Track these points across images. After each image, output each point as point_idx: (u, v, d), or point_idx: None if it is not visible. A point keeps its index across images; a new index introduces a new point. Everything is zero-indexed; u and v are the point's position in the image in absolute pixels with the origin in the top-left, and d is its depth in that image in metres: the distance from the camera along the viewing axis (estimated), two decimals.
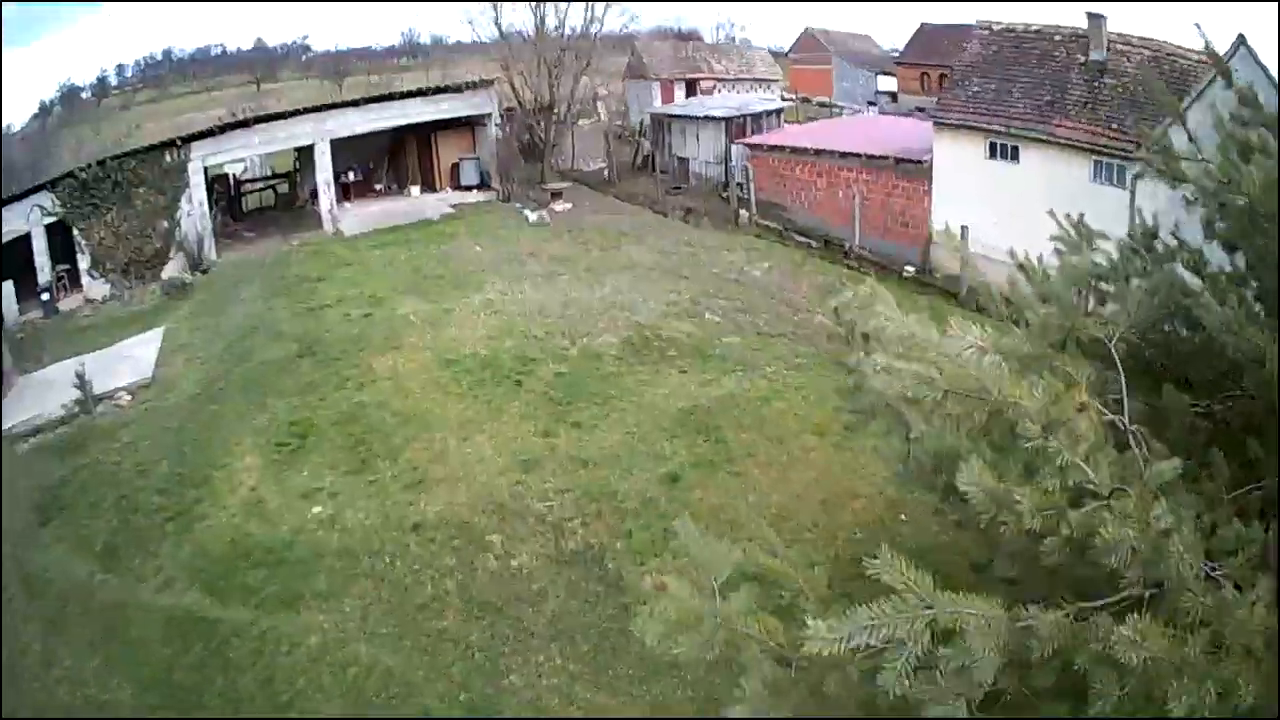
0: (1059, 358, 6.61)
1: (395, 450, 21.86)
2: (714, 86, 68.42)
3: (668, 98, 64.85)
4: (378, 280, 33.17)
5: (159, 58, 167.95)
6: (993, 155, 32.57)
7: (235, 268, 38.06)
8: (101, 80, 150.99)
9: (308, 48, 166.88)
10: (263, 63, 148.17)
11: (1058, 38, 33.02)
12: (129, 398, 26.67)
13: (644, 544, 18.11)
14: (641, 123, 57.21)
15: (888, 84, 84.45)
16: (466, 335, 27.79)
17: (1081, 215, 10.22)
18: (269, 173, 54.08)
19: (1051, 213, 10.24)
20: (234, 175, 50.56)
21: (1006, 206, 30.51)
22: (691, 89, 67.61)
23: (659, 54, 69.05)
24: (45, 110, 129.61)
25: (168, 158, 39.05)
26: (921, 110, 65.04)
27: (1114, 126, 28.91)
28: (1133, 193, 26.60)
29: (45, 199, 37.10)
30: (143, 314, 34.42)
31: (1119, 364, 6.97)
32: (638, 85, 67.04)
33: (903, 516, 17.95)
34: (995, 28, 35.57)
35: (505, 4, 48.46)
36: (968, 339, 6.07)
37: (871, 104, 79.37)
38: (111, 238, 37.73)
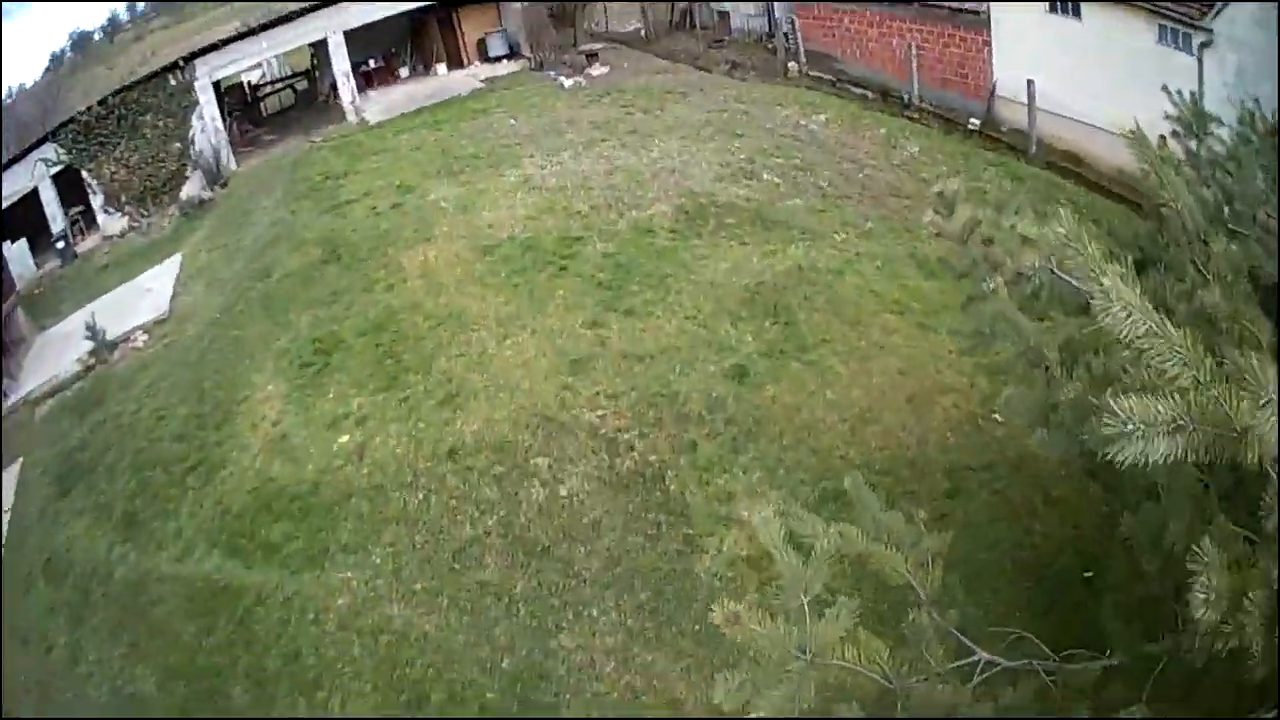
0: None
1: (428, 359, 19.12)
2: None
3: None
4: (406, 167, 29.66)
5: None
6: (1053, 9, 28.58)
7: (256, 175, 35.13)
8: (112, 19, 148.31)
9: None
10: None
11: None
12: (145, 337, 24.70)
13: (710, 458, 15.24)
14: None
15: None
16: (503, 217, 24.36)
17: (1194, 94, 9.71)
18: (288, 72, 50.93)
19: (1165, 89, 9.82)
20: (249, 82, 47.38)
21: (1070, 64, 27.65)
22: None
23: None
24: (57, 60, 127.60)
25: (172, 80, 36.34)
26: None
27: None
28: (1200, 61, 24.00)
29: (49, 151, 35.08)
30: (162, 242, 32.18)
31: None
32: None
33: (996, 417, 15.03)
34: None
35: None
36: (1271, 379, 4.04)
37: None
38: (123, 171, 35.50)
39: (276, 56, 46.50)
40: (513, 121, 32.45)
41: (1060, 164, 26.97)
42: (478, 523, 14.95)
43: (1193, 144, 8.81)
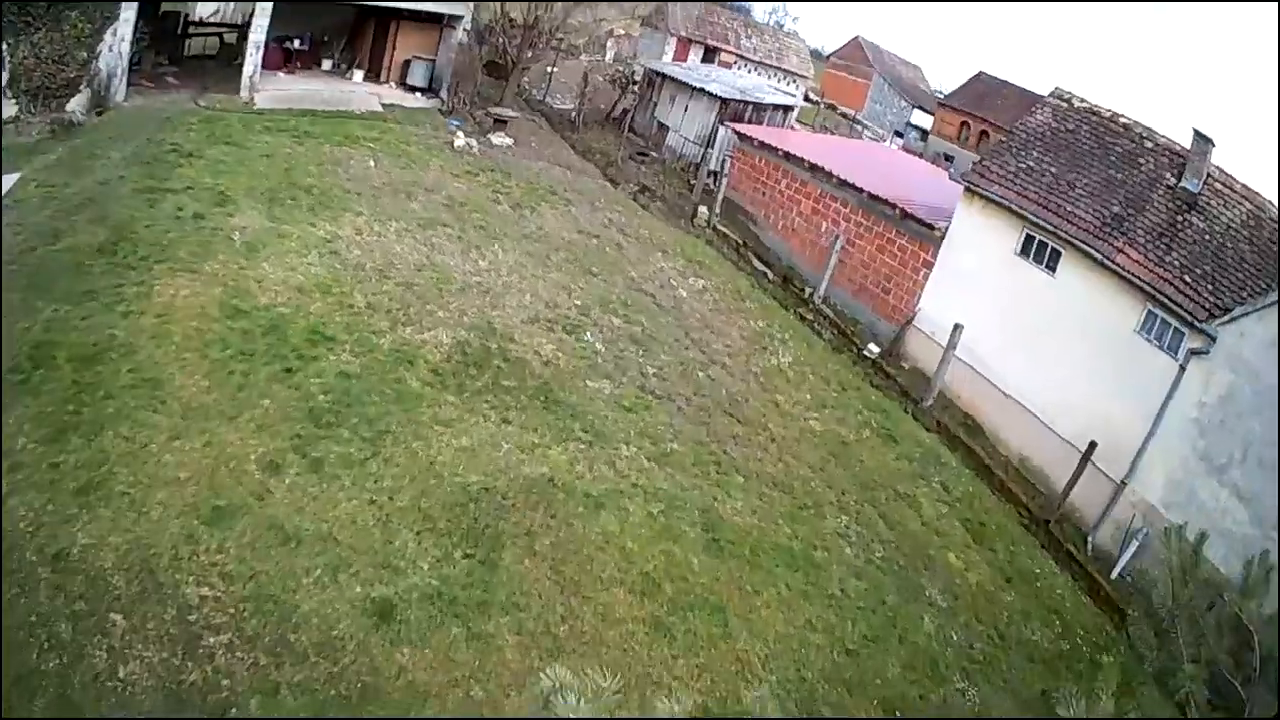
0: None
1: (98, 423, 15.09)
2: (735, 62, 60.52)
3: (681, 58, 56.92)
4: (241, 175, 25.33)
5: None
6: (1025, 252, 25.42)
7: (130, 118, 30.55)
8: None
9: None
10: None
11: (1149, 144, 25.74)
12: None
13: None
14: (632, 73, 48.26)
15: (921, 120, 77.63)
16: (277, 277, 20.20)
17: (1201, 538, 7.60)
18: (240, 20, 46.70)
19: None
20: (186, 15, 43.03)
21: (1024, 324, 24.69)
22: (710, 57, 59.40)
23: (686, 9, 60.39)
24: None
25: None
26: (949, 159, 59.30)
27: (1186, 279, 22.15)
28: (1183, 369, 21.20)
29: None
30: (24, 148, 27.46)
31: None
32: (654, 36, 58.83)
33: None
34: (1076, 102, 28.09)
35: None
36: None
37: (899, 134, 72.95)
38: (33, 58, 30.83)
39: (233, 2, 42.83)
40: (372, 164, 28.30)
41: (953, 428, 23.92)
42: None
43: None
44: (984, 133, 66.39)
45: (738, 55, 61.21)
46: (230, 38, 42.71)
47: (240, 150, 27.41)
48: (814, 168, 32.47)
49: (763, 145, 35.15)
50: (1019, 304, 25.07)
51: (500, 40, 40.44)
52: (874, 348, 27.22)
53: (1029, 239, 25.29)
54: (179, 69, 37.77)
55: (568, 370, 20.24)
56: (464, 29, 38.67)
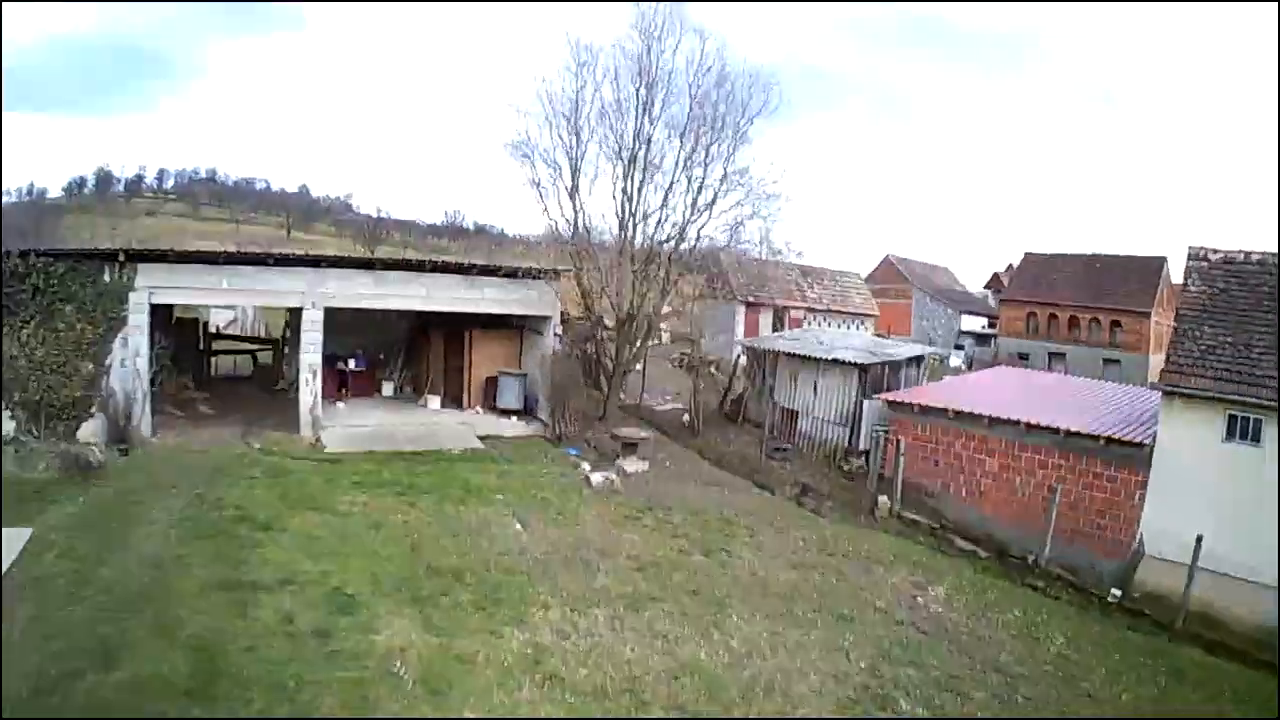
0: None
1: None
2: (805, 316, 56.61)
3: (751, 325, 52.93)
4: (354, 558, 19.01)
5: (202, 174, 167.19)
6: (1230, 435, 23.75)
7: (167, 462, 24.77)
8: (139, 178, 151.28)
9: (350, 206, 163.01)
10: (301, 208, 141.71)
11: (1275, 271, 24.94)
12: None
13: None
14: (737, 357, 44.03)
15: (970, 324, 74.10)
16: None
17: None
18: (262, 329, 41.55)
19: None
20: (204, 324, 37.82)
21: (1238, 505, 23.59)
22: (780, 317, 55.58)
23: (745, 271, 56.40)
24: (77, 185, 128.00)
25: (106, 277, 26.89)
26: (1024, 358, 56.44)
27: None
28: None
29: None
30: (30, 486, 21.86)
31: None
32: (714, 309, 54.31)
33: None
34: (1213, 257, 26.86)
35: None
36: None
37: (959, 348, 69.09)
38: (24, 359, 25.90)
39: (254, 308, 37.69)
40: (518, 526, 22.27)
41: (1204, 634, 22.47)
42: None
43: None
44: (1052, 315, 62.68)
45: (806, 309, 57.27)
46: (265, 356, 37.37)
47: (335, 518, 21.50)
48: (993, 420, 29.41)
49: (925, 410, 31.42)
50: (1231, 489, 23.92)
51: (596, 337, 35.27)
52: (1116, 591, 24.75)
53: (1231, 420, 24.28)
54: (209, 394, 32.95)
55: None
56: (554, 333, 33.37)
